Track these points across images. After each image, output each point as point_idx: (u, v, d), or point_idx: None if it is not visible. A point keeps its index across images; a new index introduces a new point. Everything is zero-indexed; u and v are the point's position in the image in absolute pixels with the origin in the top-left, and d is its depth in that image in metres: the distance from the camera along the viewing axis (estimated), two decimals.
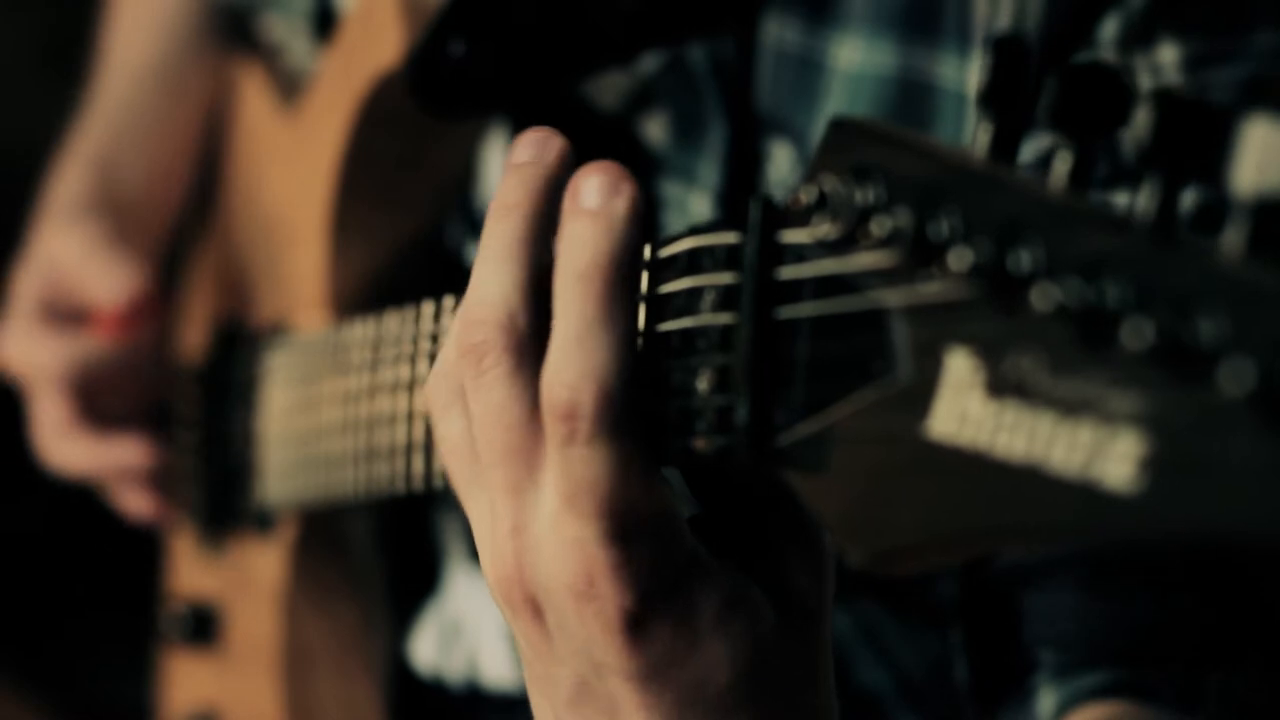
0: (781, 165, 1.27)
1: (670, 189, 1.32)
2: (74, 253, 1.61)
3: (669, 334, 0.91)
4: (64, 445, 1.63)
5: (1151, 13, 1.15)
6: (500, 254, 0.93)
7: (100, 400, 1.62)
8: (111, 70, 1.77)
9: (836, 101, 1.25)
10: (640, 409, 0.89)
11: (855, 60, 1.24)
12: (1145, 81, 1.16)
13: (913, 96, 1.22)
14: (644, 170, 1.34)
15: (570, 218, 0.91)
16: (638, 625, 0.90)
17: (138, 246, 1.65)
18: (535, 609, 0.93)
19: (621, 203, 0.90)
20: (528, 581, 0.92)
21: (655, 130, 1.34)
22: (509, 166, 0.96)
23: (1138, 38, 1.16)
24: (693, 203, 1.31)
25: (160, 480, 1.64)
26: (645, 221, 0.91)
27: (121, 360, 1.61)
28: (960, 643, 1.30)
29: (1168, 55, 1.15)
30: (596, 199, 0.91)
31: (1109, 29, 1.16)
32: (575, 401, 0.88)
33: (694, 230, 0.91)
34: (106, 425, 1.62)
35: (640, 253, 0.91)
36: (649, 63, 1.33)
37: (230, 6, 1.69)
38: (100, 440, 1.62)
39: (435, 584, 1.51)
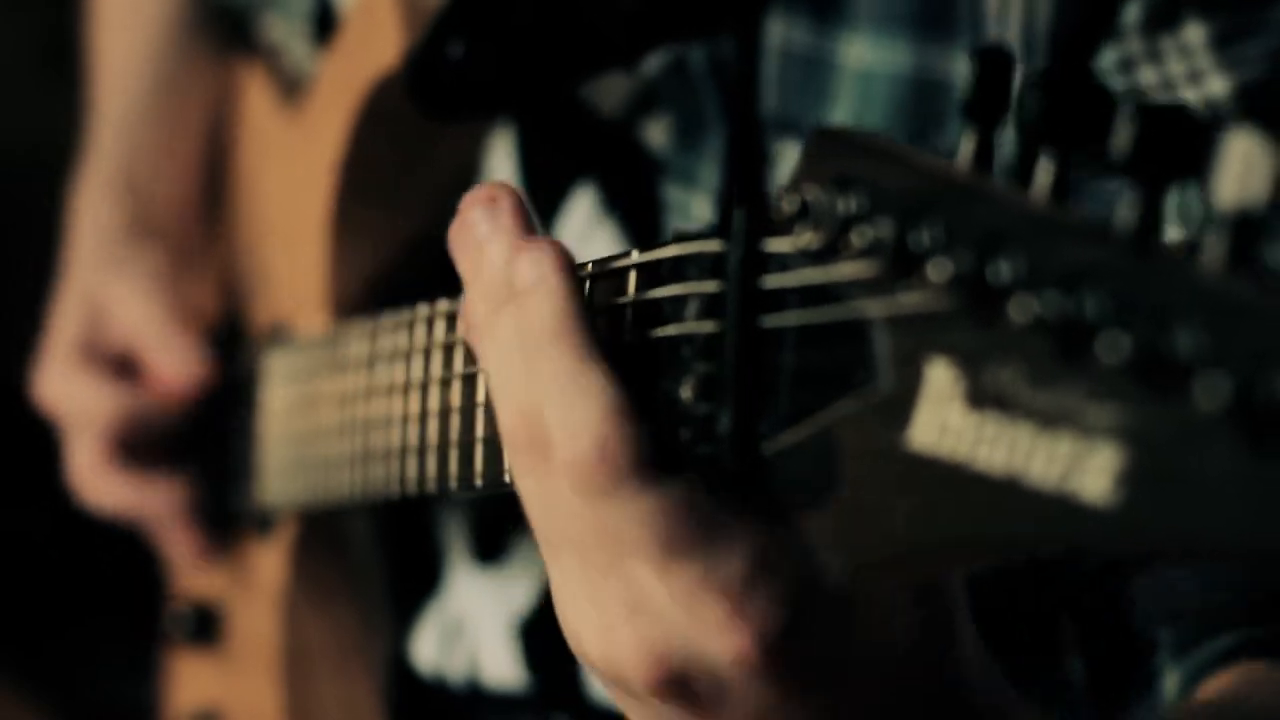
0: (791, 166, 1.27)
1: (673, 192, 1.32)
2: (135, 314, 1.61)
3: (656, 341, 0.91)
4: (103, 487, 1.64)
5: None
6: (519, 350, 0.92)
7: (137, 446, 1.62)
8: (112, 79, 1.77)
9: (847, 101, 1.24)
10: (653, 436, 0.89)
11: (865, 59, 1.23)
12: (1175, 67, 1.15)
13: (928, 94, 1.22)
14: (647, 174, 1.34)
15: (515, 300, 0.92)
16: (783, 641, 0.88)
17: (182, 264, 1.65)
18: (685, 681, 0.90)
19: (552, 266, 0.92)
20: (670, 659, 0.89)
21: (657, 133, 1.34)
22: (473, 259, 0.96)
23: (1162, 20, 1.15)
24: (694, 206, 1.31)
25: (193, 518, 1.64)
26: (577, 274, 0.92)
27: (165, 415, 1.62)
28: (1074, 643, 1.29)
29: (1194, 35, 1.14)
30: (532, 273, 0.92)
31: (1131, 15, 1.16)
32: (584, 456, 0.88)
33: (679, 238, 0.91)
34: (142, 466, 1.62)
35: (582, 301, 0.91)
36: (651, 65, 1.33)
37: (229, 7, 1.69)
38: (136, 482, 1.62)
39: (436, 583, 1.51)
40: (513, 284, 0.92)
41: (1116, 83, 1.18)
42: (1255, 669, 1.16)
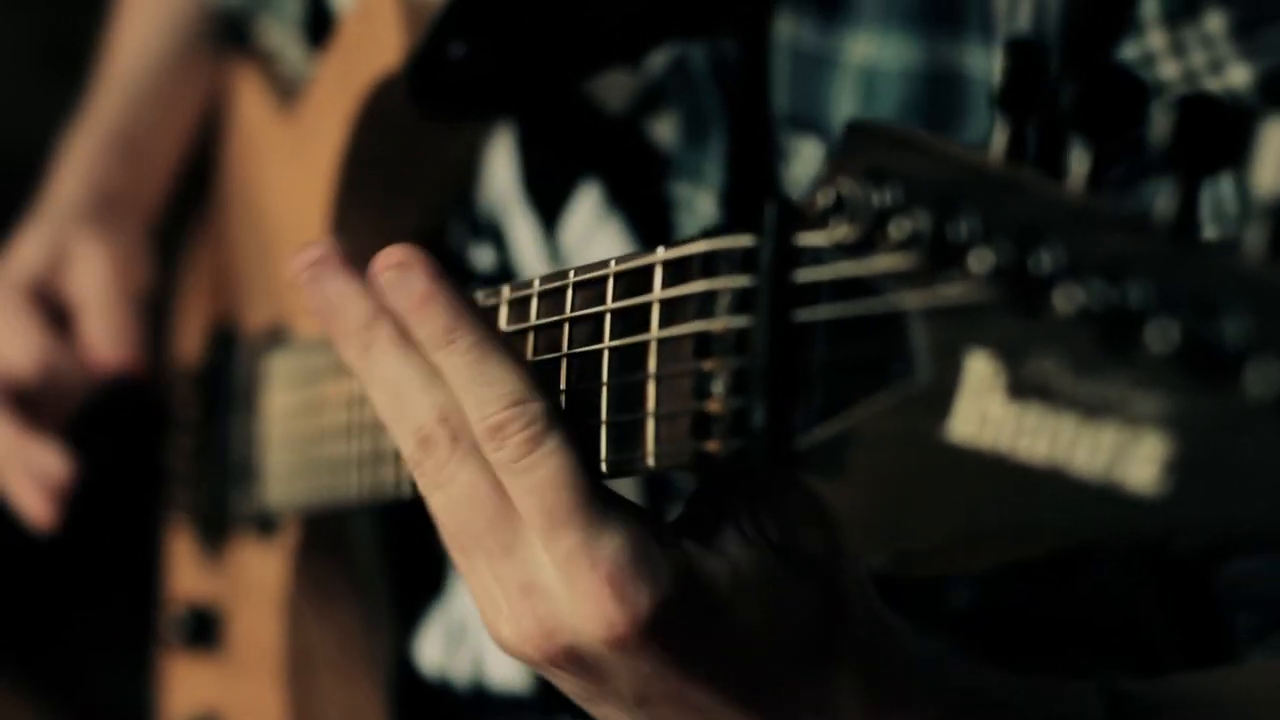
0: (809, 162, 1.27)
1: (679, 189, 1.32)
2: (92, 275, 1.63)
3: (683, 337, 0.91)
4: None
5: None
6: (401, 375, 0.99)
7: (35, 401, 1.62)
8: (119, 59, 1.78)
9: (854, 97, 1.24)
10: (555, 401, 0.96)
11: (871, 55, 1.23)
12: (1198, 59, 1.15)
13: (943, 88, 1.22)
14: (652, 171, 1.34)
15: (388, 319, 0.99)
16: (655, 624, 0.93)
17: (152, 242, 1.68)
18: (575, 657, 0.96)
19: (417, 274, 0.98)
20: (558, 636, 0.96)
21: (664, 131, 1.34)
22: (330, 321, 1.03)
23: (1181, 11, 1.15)
24: (700, 203, 1.31)
25: (63, 494, 1.64)
26: (435, 265, 0.99)
27: (76, 382, 1.62)
28: (1164, 635, 1.30)
29: (1215, 24, 1.14)
30: (401, 290, 0.98)
31: (1150, 7, 1.16)
32: (500, 423, 0.95)
33: (706, 233, 0.91)
34: (32, 419, 1.62)
35: (458, 289, 0.98)
36: (656, 63, 1.33)
37: (227, 12, 1.68)
38: (26, 434, 1.62)
39: (440, 585, 1.51)
40: (384, 307, 0.99)
41: None
42: None
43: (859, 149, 0.83)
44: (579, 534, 0.93)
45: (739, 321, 0.88)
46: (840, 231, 0.83)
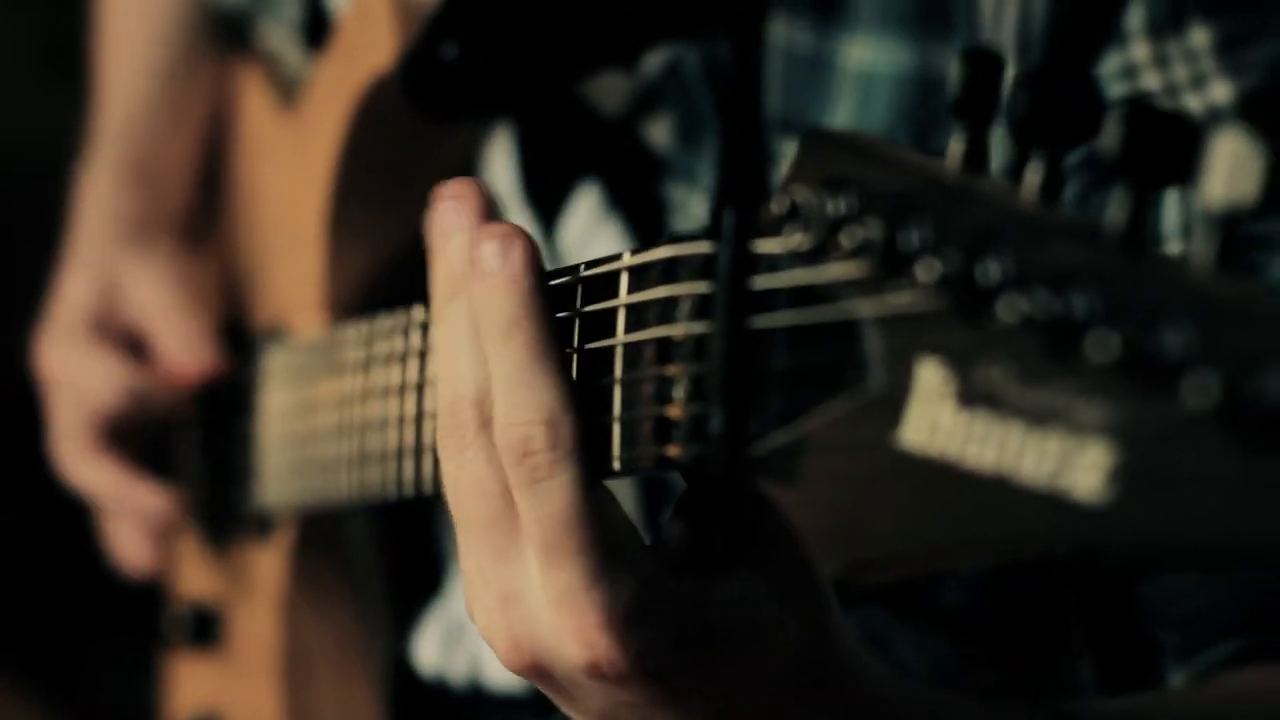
0: None
1: (675, 192, 1.32)
2: (152, 294, 1.62)
3: (644, 344, 0.92)
4: (85, 461, 1.64)
5: None
6: (465, 340, 0.97)
7: (126, 431, 1.63)
8: (117, 70, 1.77)
9: (849, 101, 1.24)
10: (588, 435, 0.93)
11: (866, 59, 1.24)
12: (1180, 72, 1.15)
13: (928, 94, 1.22)
14: (649, 173, 1.34)
15: (474, 283, 0.96)
16: (646, 669, 0.93)
17: (191, 262, 1.67)
18: (542, 672, 0.97)
19: (517, 258, 0.95)
20: (528, 651, 0.96)
21: (659, 133, 1.34)
22: (438, 250, 1.01)
23: (1167, 24, 1.15)
24: (694, 205, 1.31)
25: (164, 532, 1.64)
26: (540, 265, 0.96)
27: (164, 402, 1.63)
28: (1082, 644, 1.30)
29: (1200, 39, 1.14)
30: (494, 261, 0.95)
31: (1135, 18, 1.16)
32: (528, 436, 0.93)
33: (671, 239, 0.91)
34: (129, 457, 1.63)
35: (545, 292, 0.95)
36: (651, 65, 1.33)
37: (225, 13, 1.69)
38: (126, 473, 1.63)
39: (438, 585, 1.51)
40: (475, 270, 0.96)
41: (1119, 89, 1.18)
42: (1264, 671, 1.17)
43: (816, 157, 0.84)
44: (578, 576, 0.93)
45: (698, 327, 0.89)
46: (795, 239, 0.83)
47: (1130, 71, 1.16)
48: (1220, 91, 1.14)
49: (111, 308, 1.64)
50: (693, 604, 0.93)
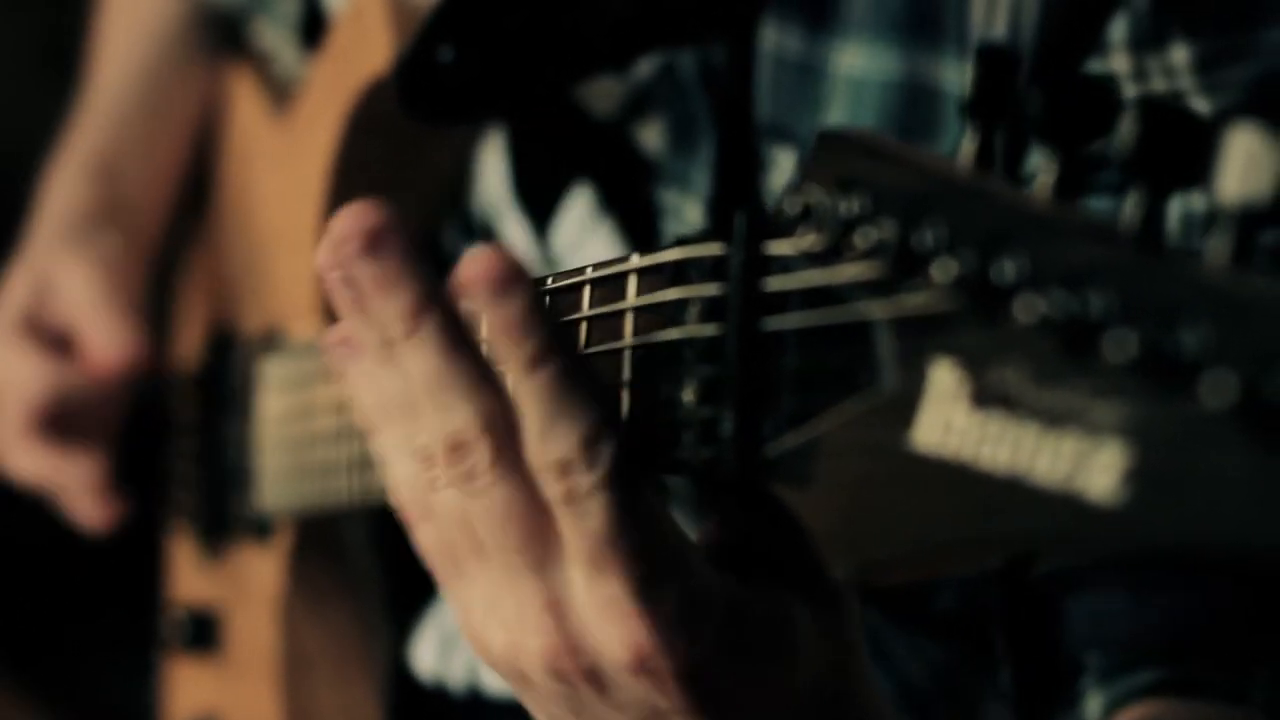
0: (786, 172, 1.27)
1: (667, 196, 1.32)
2: (78, 291, 1.63)
3: (657, 345, 0.91)
4: (20, 454, 1.66)
5: (1159, 10, 1.15)
6: (446, 384, 0.92)
7: (63, 421, 1.64)
8: (102, 75, 1.77)
9: (840, 108, 1.24)
10: (630, 449, 0.89)
11: (857, 65, 1.23)
12: (1160, 85, 1.15)
13: (919, 100, 1.22)
14: (641, 177, 1.34)
15: (483, 313, 0.90)
16: (691, 673, 0.91)
17: (138, 254, 1.66)
18: (593, 675, 0.93)
19: (520, 295, 0.88)
20: (582, 653, 0.93)
21: (652, 137, 1.34)
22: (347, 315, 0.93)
23: (1148, 39, 1.15)
24: (688, 210, 1.31)
25: (107, 491, 1.65)
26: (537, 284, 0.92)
27: (95, 394, 1.64)
28: (1002, 651, 1.30)
29: (1179, 56, 1.14)
30: (507, 302, 0.89)
31: (1118, 31, 1.16)
32: (568, 460, 0.88)
33: (680, 241, 0.91)
34: (65, 439, 1.64)
35: (566, 315, 0.93)
36: (643, 69, 1.33)
37: (221, 12, 1.69)
38: (55, 453, 1.64)
39: (436, 590, 1.51)
40: (495, 311, 0.90)
41: None
42: (1171, 706, 1.17)
43: (829, 157, 0.83)
44: (623, 585, 0.90)
45: (709, 330, 0.88)
46: (807, 240, 0.83)
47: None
48: (1198, 109, 1.14)
49: (41, 305, 1.65)
50: (735, 605, 0.92)
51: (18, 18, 2.57)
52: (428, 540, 0.97)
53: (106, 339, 1.61)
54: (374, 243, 0.90)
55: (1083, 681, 1.22)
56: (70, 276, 1.64)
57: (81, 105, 1.77)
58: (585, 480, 0.89)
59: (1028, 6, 1.18)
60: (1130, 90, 1.16)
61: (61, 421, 1.63)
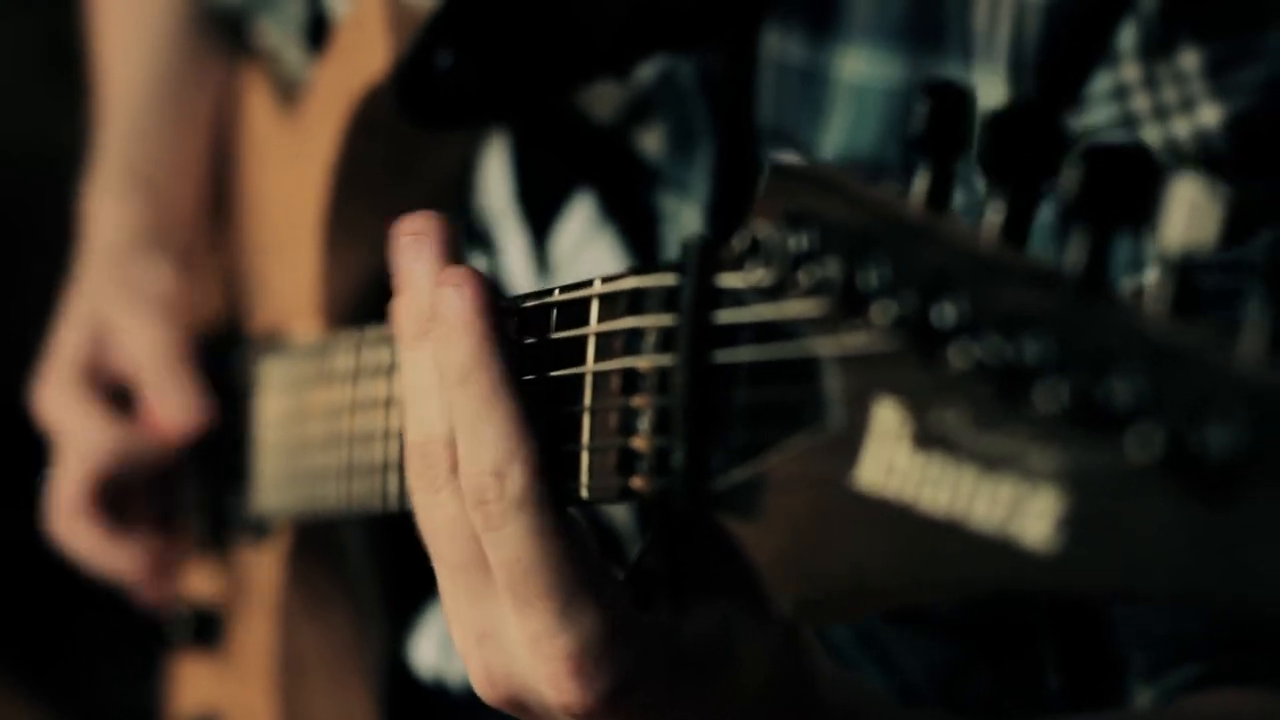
0: None
1: (667, 202, 1.32)
2: (139, 347, 1.61)
3: (611, 373, 0.92)
4: (75, 528, 1.64)
5: (1166, 15, 1.14)
6: (429, 386, 0.97)
7: (121, 491, 1.63)
8: (116, 84, 1.77)
9: (842, 114, 1.24)
10: (549, 473, 0.92)
11: (860, 72, 1.23)
12: (1170, 94, 1.14)
13: None
14: (640, 183, 1.33)
15: (433, 331, 0.96)
16: (615, 700, 0.93)
17: (188, 277, 1.65)
18: (519, 705, 0.97)
19: (469, 304, 0.94)
20: (504, 687, 0.97)
21: (651, 142, 1.33)
22: (403, 287, 1.01)
23: (1157, 46, 1.14)
24: (686, 216, 1.31)
25: (162, 572, 1.65)
26: (496, 308, 0.95)
27: (154, 459, 1.63)
28: (1051, 655, 1.30)
29: (1189, 61, 1.14)
30: (449, 307, 0.95)
31: (1126, 39, 1.15)
32: (482, 487, 0.92)
33: (635, 270, 0.91)
34: (119, 522, 1.63)
35: (501, 338, 0.95)
36: (644, 74, 1.32)
37: (223, 11, 1.69)
38: (110, 538, 1.63)
39: (436, 587, 1.51)
40: (435, 313, 0.96)
41: (1110, 109, 1.17)
42: (1228, 694, 1.16)
43: (780, 190, 0.83)
44: (545, 619, 0.92)
45: (664, 360, 0.88)
46: (756, 275, 0.83)
47: (1121, 92, 1.16)
48: (1209, 114, 1.14)
49: (102, 355, 1.63)
50: (662, 637, 0.93)
51: (21, 19, 2.57)
52: (425, 540, 1.00)
53: (171, 406, 1.59)
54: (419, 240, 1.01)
55: (1128, 680, 1.22)
56: (129, 329, 1.61)
57: (102, 120, 1.76)
58: (496, 509, 0.92)
59: (1031, 14, 1.17)
60: (1142, 101, 1.15)
61: (118, 493, 1.62)
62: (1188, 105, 1.14)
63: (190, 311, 1.63)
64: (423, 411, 0.97)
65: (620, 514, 1.30)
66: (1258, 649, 1.18)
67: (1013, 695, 1.33)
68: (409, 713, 1.53)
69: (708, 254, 0.86)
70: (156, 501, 1.65)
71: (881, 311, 0.76)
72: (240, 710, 1.61)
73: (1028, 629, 1.32)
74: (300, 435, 1.39)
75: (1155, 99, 1.15)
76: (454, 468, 0.95)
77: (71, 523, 1.63)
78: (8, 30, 2.56)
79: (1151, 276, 0.72)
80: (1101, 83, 1.16)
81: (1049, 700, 1.31)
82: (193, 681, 1.71)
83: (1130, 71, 1.15)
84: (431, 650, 1.50)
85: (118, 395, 1.63)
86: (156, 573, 1.65)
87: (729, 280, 0.85)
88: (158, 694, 1.77)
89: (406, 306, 0.99)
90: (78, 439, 1.62)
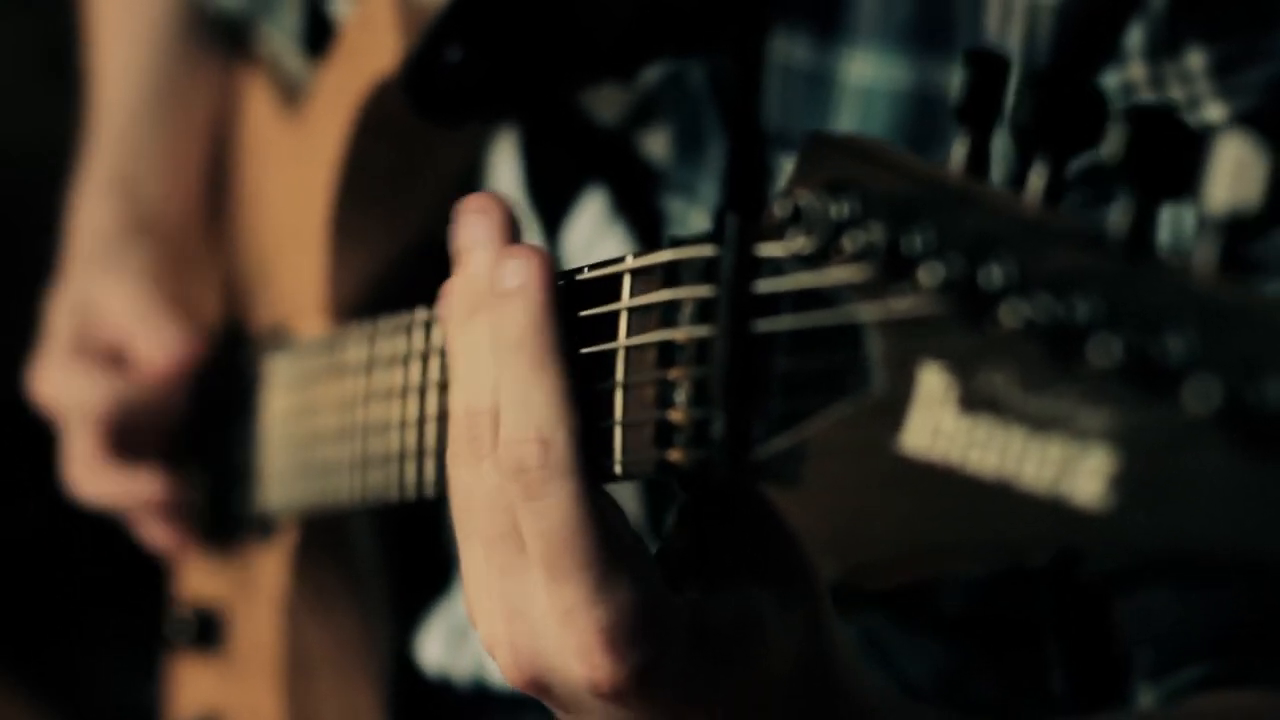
0: None
1: (673, 204, 1.32)
2: (121, 307, 1.63)
3: (646, 347, 0.92)
4: (92, 478, 1.65)
5: (1174, 16, 1.14)
6: (485, 352, 0.98)
7: (130, 436, 1.63)
8: (112, 82, 1.77)
9: (849, 116, 1.24)
10: (586, 446, 0.93)
11: (867, 74, 1.23)
12: (1176, 94, 1.15)
13: (929, 111, 1.22)
14: (646, 184, 1.34)
15: (493, 300, 0.96)
16: (644, 675, 0.93)
17: (171, 261, 1.66)
18: (543, 688, 0.97)
19: (535, 278, 0.96)
20: (530, 667, 0.96)
21: (657, 145, 1.34)
22: (462, 262, 1.01)
23: (1165, 46, 1.15)
24: (693, 218, 1.31)
25: (177, 512, 1.65)
26: (555, 285, 0.96)
27: (156, 401, 1.63)
28: (1057, 655, 1.30)
29: (1195, 61, 1.14)
30: (513, 280, 0.96)
31: (1134, 39, 1.16)
32: (522, 455, 0.93)
33: (674, 242, 0.91)
34: (132, 459, 1.63)
35: (557, 312, 0.96)
36: (651, 76, 1.33)
37: (223, 16, 1.69)
38: (125, 474, 1.63)
39: (443, 583, 1.51)
40: (494, 288, 0.96)
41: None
42: (1234, 695, 1.17)
43: (820, 160, 0.84)
44: (581, 591, 0.92)
45: (700, 331, 0.89)
46: (797, 243, 0.83)
47: (1128, 90, 1.16)
48: (1214, 113, 1.14)
49: (87, 326, 1.64)
50: (696, 616, 0.93)
51: (20, 21, 2.57)
52: (453, 509, 1.00)
53: (156, 344, 1.61)
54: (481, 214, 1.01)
55: (1134, 679, 1.22)
56: (110, 293, 1.63)
57: (93, 122, 1.76)
58: (538, 476, 0.92)
59: (1043, 15, 1.17)
60: (1149, 100, 1.16)
61: (127, 437, 1.62)
62: (1193, 104, 1.15)
63: (176, 284, 1.64)
64: (472, 384, 0.97)
65: (631, 506, 1.30)
66: (1262, 650, 1.18)
67: (1017, 697, 1.33)
68: (415, 710, 1.53)
69: (747, 224, 0.86)
70: (165, 443, 1.65)
71: (929, 274, 0.76)
72: (243, 710, 1.60)
73: (1032, 630, 1.33)
74: (310, 429, 1.39)
75: (1160, 98, 1.15)
76: (497, 441, 0.95)
77: (88, 473, 1.64)
78: (7, 31, 2.55)
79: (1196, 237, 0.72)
80: (1109, 81, 1.17)
81: (1054, 702, 1.32)
82: (192, 684, 1.71)
83: (1137, 71, 1.16)
84: (437, 648, 1.50)
85: (112, 358, 1.64)
86: (172, 507, 1.65)
87: (768, 250, 0.85)
88: (158, 694, 1.77)
89: (464, 280, 0.99)
90: (78, 399, 1.63)
